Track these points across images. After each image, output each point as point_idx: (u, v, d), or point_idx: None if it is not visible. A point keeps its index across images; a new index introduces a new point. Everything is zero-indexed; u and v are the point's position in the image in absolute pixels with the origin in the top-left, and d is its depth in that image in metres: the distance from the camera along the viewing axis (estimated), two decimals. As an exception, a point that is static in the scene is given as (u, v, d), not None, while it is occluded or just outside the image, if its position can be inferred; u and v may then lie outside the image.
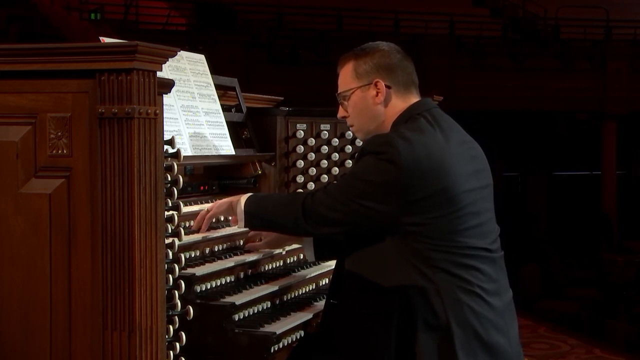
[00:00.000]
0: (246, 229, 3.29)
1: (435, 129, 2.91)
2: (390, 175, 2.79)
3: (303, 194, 3.04)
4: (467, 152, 2.96)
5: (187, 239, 2.96)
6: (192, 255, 3.10)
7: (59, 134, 2.28)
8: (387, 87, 3.03)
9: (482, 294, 2.84)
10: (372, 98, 3.04)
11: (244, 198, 3.15)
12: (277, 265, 3.50)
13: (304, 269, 3.53)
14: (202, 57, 3.76)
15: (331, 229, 2.97)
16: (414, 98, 3.06)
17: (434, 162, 2.81)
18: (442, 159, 2.83)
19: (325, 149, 3.92)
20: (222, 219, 3.48)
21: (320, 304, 3.34)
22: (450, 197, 2.81)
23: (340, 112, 3.18)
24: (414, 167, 2.78)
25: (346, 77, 3.12)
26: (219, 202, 3.26)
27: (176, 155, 2.48)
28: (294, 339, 3.06)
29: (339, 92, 3.15)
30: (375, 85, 3.03)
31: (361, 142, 3.96)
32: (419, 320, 2.78)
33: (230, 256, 3.25)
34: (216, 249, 3.24)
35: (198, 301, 2.87)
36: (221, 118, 3.67)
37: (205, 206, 3.37)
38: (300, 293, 3.43)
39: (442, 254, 2.80)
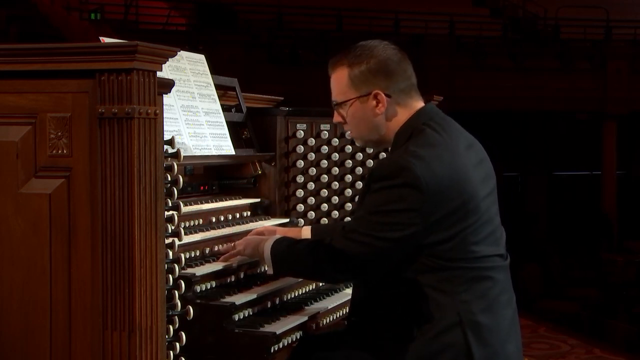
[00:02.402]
0: (244, 229, 3.29)
1: (444, 138, 2.82)
2: (413, 201, 2.69)
3: (326, 243, 2.86)
4: (475, 156, 2.89)
5: (187, 239, 2.96)
6: (192, 255, 3.10)
7: (59, 134, 2.28)
8: (387, 96, 2.91)
9: (499, 308, 2.82)
10: (372, 109, 2.92)
11: (269, 243, 3.04)
12: (277, 265, 3.50)
13: (304, 269, 3.52)
14: (202, 57, 3.76)
15: (364, 273, 2.84)
16: (416, 102, 2.95)
17: (452, 177, 2.73)
18: (459, 171, 2.76)
19: (325, 149, 3.92)
20: (222, 218, 3.48)
21: (320, 304, 3.35)
22: (470, 208, 2.76)
23: (336, 118, 3.05)
24: (435, 187, 2.69)
25: (341, 85, 2.97)
26: (249, 240, 3.17)
27: (176, 155, 2.48)
28: (294, 339, 3.06)
29: (334, 99, 3.01)
30: (375, 96, 2.90)
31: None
32: (438, 342, 2.75)
33: (230, 256, 3.25)
34: (216, 249, 3.24)
35: (198, 301, 2.87)
36: (221, 118, 3.67)
37: (206, 207, 3.37)
38: (300, 293, 3.43)
39: (462, 271, 2.76)
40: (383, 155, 4.05)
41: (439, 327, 2.75)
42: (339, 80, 2.97)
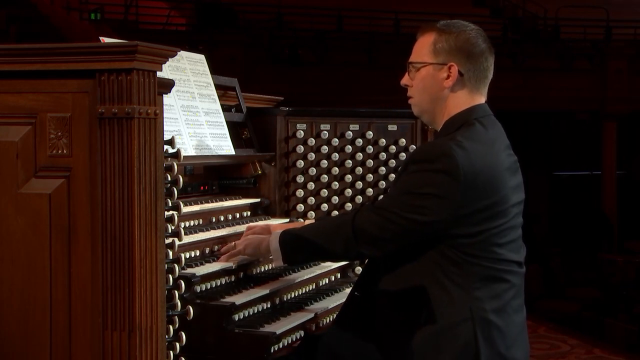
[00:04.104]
0: (244, 229, 3.29)
1: (490, 138, 2.85)
2: (447, 189, 2.70)
3: (349, 215, 2.90)
4: (513, 164, 2.92)
5: (187, 239, 2.96)
6: (192, 255, 3.10)
7: (59, 134, 2.28)
8: (460, 74, 2.92)
9: (510, 312, 2.83)
10: (441, 80, 2.92)
11: (274, 236, 3.03)
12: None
13: (304, 269, 3.52)
14: (202, 57, 3.76)
15: (385, 248, 2.84)
16: (479, 97, 2.97)
17: (489, 176, 2.75)
18: (496, 172, 2.78)
19: (325, 149, 3.92)
20: (222, 218, 3.48)
21: (320, 304, 3.35)
22: (499, 211, 2.77)
23: (404, 79, 3.03)
24: (471, 181, 2.71)
25: (422, 48, 2.97)
26: (249, 239, 3.14)
27: (176, 155, 2.48)
28: (294, 339, 3.06)
29: (410, 60, 3.01)
30: (449, 68, 2.91)
31: (362, 142, 3.98)
32: (447, 334, 2.75)
33: (230, 256, 3.24)
34: (216, 249, 3.24)
35: (198, 301, 2.87)
36: (221, 118, 3.67)
37: (206, 207, 3.37)
38: (300, 293, 3.43)
39: (480, 268, 2.76)
40: (383, 154, 4.06)
41: (450, 319, 2.75)
42: (423, 43, 2.98)
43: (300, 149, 3.87)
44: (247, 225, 3.40)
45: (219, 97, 3.74)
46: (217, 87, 3.77)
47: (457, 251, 2.76)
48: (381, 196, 4.03)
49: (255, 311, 3.10)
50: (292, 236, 3.03)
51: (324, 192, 3.92)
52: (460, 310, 2.75)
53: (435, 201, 2.72)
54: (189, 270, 2.93)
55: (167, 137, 2.41)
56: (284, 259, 3.04)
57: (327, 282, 3.68)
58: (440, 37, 2.94)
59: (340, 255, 3.09)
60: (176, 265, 2.51)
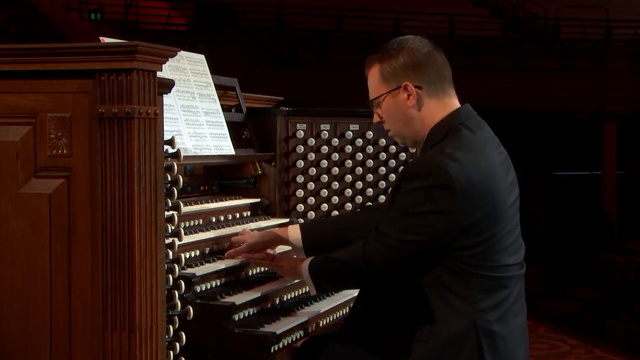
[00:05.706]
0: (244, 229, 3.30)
1: (479, 142, 2.81)
2: (445, 203, 2.67)
3: (360, 247, 2.86)
4: (505, 162, 2.89)
5: (187, 239, 2.96)
6: (192, 255, 3.10)
7: (59, 134, 2.28)
8: (418, 87, 2.88)
9: (511, 317, 2.82)
10: (404, 102, 2.90)
11: (306, 264, 3.01)
12: (277, 265, 3.50)
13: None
14: (202, 57, 3.76)
15: (398, 274, 2.82)
16: (449, 98, 2.92)
17: (484, 184, 2.72)
18: (490, 178, 2.75)
19: (325, 149, 3.92)
20: (222, 218, 3.48)
21: (320, 304, 3.35)
22: (498, 216, 2.75)
23: (375, 118, 3.04)
24: (468, 192, 2.68)
25: (374, 82, 2.97)
26: (289, 260, 3.15)
27: (176, 155, 2.48)
28: (294, 339, 3.06)
29: (369, 99, 3.01)
30: (405, 88, 2.88)
31: (362, 142, 3.98)
32: (452, 346, 2.74)
33: (230, 256, 3.24)
34: (216, 249, 3.24)
35: (198, 301, 2.87)
36: (221, 118, 3.67)
37: (206, 207, 3.36)
38: (300, 293, 3.43)
39: (482, 279, 2.75)
40: (383, 154, 4.06)
41: (453, 331, 2.73)
42: (373, 78, 2.98)
43: (300, 149, 3.87)
44: (251, 225, 3.40)
45: (219, 97, 3.74)
46: (217, 87, 3.77)
47: (460, 263, 2.73)
48: (381, 197, 4.03)
49: (255, 311, 3.10)
50: (319, 268, 3.00)
51: (324, 192, 3.92)
52: (464, 322, 2.73)
53: (436, 218, 2.69)
54: (189, 270, 2.94)
55: (167, 137, 2.41)
56: (316, 290, 3.03)
57: (327, 282, 3.67)
58: (383, 64, 2.93)
59: (364, 287, 3.06)
60: (176, 265, 2.51)
